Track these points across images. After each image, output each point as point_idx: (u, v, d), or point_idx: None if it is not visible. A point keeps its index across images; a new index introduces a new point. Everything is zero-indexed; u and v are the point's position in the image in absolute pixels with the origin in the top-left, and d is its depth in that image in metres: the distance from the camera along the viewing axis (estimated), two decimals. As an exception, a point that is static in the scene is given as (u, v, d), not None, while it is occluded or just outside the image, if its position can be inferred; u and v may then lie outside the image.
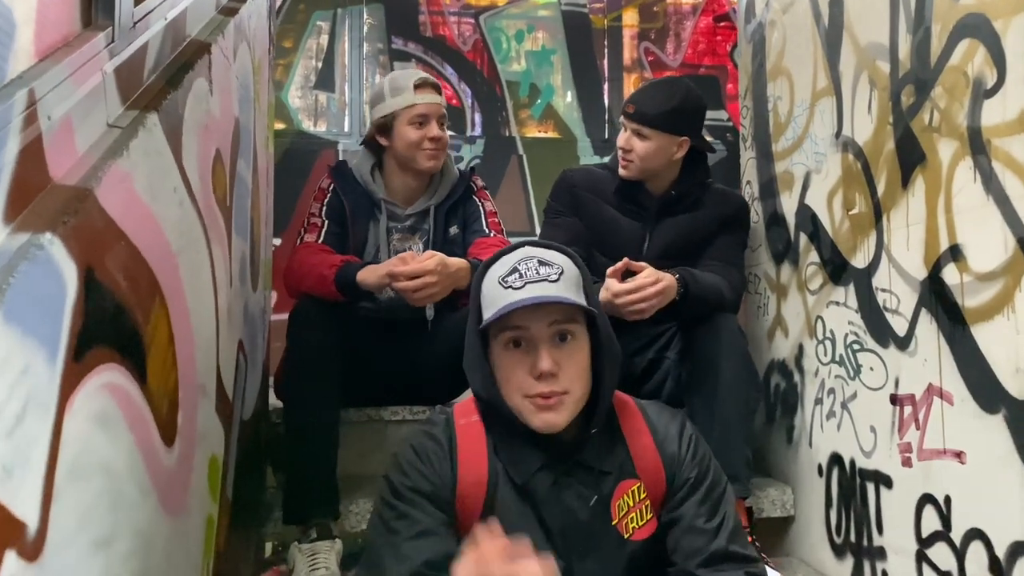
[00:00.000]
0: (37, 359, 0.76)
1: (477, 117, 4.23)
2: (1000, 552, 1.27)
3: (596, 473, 1.18)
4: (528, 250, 1.18)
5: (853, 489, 1.72)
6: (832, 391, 1.82)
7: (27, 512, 0.73)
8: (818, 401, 1.89)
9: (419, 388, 2.05)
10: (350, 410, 2.09)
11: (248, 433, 1.86)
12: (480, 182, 2.12)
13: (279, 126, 4.05)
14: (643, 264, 1.75)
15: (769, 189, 2.16)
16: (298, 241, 1.97)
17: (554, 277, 1.13)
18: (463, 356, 1.21)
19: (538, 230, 3.16)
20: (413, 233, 2.04)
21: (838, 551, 1.79)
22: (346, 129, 4.06)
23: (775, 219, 2.12)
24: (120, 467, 1.00)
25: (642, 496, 1.20)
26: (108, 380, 0.95)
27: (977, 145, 1.32)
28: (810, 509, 1.92)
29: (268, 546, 2.36)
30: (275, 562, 2.06)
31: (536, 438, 1.15)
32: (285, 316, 1.87)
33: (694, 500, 1.18)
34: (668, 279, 1.74)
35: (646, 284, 1.70)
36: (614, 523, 1.17)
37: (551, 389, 1.11)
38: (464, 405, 1.24)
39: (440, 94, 2.01)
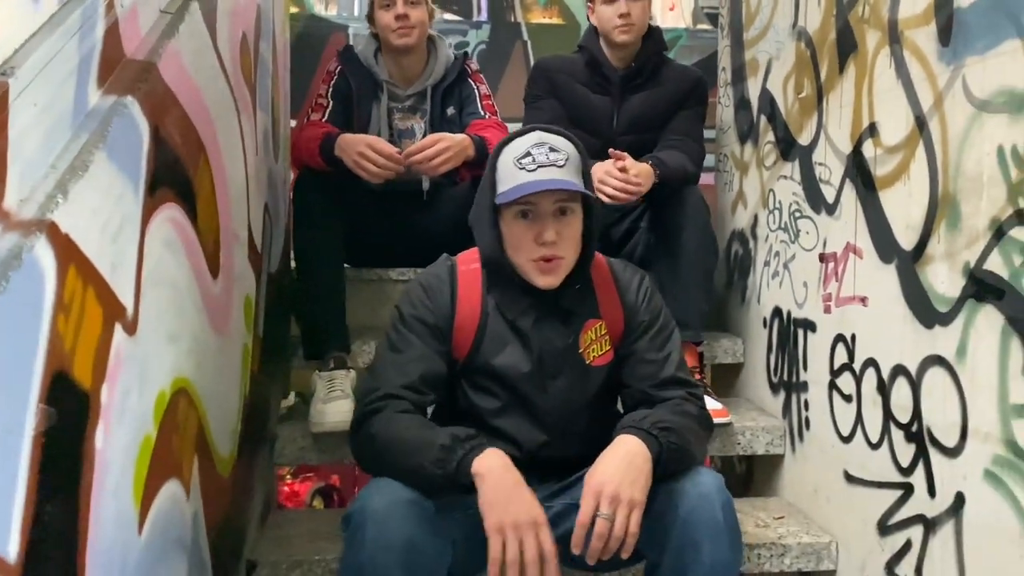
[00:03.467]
0: (128, 189, 1.04)
1: (483, 2, 4.37)
2: (885, 375, 1.57)
3: (569, 314, 1.47)
4: (540, 135, 1.41)
5: (788, 336, 2.02)
6: (777, 254, 2.09)
7: (126, 299, 1.02)
8: (766, 263, 2.16)
9: (417, 258, 2.32)
10: (361, 270, 2.38)
11: (274, 285, 2.16)
12: (474, 65, 2.32)
13: (292, 10, 4.20)
14: (625, 156, 2.00)
15: (739, 75, 2.37)
16: (304, 120, 2.20)
17: (561, 163, 1.37)
18: (469, 217, 1.48)
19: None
20: (413, 113, 2.25)
21: (774, 388, 2.10)
22: (356, 13, 4.19)
23: (742, 103, 2.34)
24: (181, 284, 1.30)
25: (603, 333, 1.50)
26: (171, 215, 1.23)
27: (894, 35, 1.54)
28: (755, 356, 2.23)
29: (292, 395, 2.71)
30: (297, 409, 2.38)
31: (526, 286, 1.43)
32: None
33: (646, 339, 1.49)
34: (647, 170, 2.01)
35: (633, 180, 1.98)
36: (580, 351, 1.48)
37: (553, 254, 1.38)
38: (468, 254, 1.53)
39: None
